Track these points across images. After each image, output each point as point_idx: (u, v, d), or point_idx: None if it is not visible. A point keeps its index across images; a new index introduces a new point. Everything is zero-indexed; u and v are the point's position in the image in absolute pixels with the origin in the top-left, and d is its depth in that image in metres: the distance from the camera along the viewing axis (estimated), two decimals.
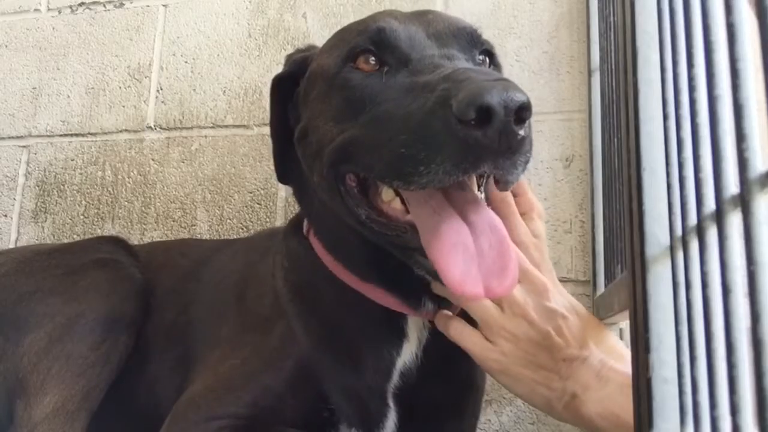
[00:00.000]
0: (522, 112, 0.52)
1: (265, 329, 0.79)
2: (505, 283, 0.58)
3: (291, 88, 0.80)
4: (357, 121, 0.64)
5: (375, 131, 0.61)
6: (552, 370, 0.67)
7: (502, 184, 0.61)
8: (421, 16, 0.71)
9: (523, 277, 0.69)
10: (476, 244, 0.60)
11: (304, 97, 0.76)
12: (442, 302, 0.75)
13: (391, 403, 0.76)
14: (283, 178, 0.84)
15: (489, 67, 0.73)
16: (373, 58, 0.67)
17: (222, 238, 1.33)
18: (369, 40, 0.67)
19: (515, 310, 0.69)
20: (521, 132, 0.53)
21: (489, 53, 0.73)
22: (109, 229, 1.41)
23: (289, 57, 0.83)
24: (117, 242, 1.06)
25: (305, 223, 0.83)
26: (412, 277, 0.69)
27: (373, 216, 0.66)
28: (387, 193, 0.66)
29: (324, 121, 0.69)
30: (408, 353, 0.77)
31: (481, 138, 0.52)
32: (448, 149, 0.53)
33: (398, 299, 0.73)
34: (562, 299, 0.70)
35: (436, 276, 0.60)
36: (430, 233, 0.60)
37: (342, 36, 0.73)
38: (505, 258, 0.59)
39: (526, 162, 0.58)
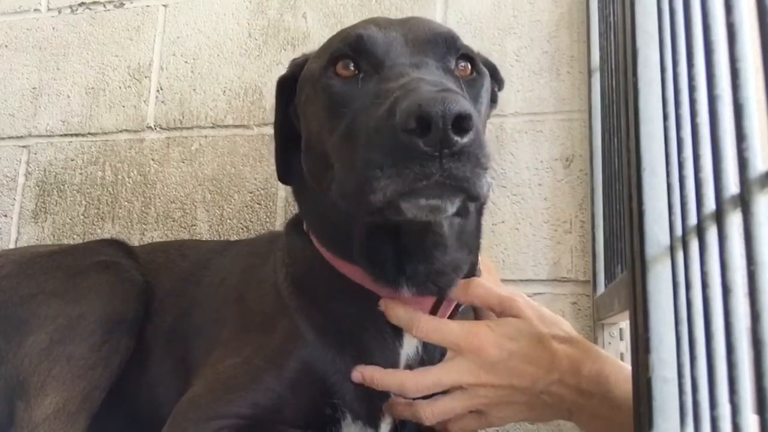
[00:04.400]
0: (461, 121, 0.53)
1: (267, 327, 0.79)
2: None
3: (293, 90, 0.81)
4: (337, 131, 0.65)
5: (348, 144, 0.63)
6: (547, 405, 0.72)
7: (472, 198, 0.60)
8: (404, 23, 0.72)
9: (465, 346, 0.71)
10: None
11: (298, 100, 0.78)
12: (441, 292, 0.75)
13: (394, 395, 0.76)
14: (284, 178, 0.85)
15: (472, 73, 0.73)
16: (351, 64, 0.68)
17: (222, 238, 1.33)
18: (348, 46, 0.69)
19: (476, 390, 0.72)
20: (462, 140, 0.55)
21: (469, 58, 0.73)
22: (109, 229, 1.41)
23: (293, 61, 0.85)
24: (118, 244, 1.06)
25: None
26: (409, 267, 0.71)
27: None
28: None
29: (314, 129, 0.71)
30: (409, 346, 0.77)
31: (422, 146, 0.54)
32: (397, 156, 0.55)
33: (395, 290, 0.73)
34: (507, 340, 0.71)
35: None
36: None
37: (330, 41, 0.75)
38: None
39: (485, 171, 0.58)
